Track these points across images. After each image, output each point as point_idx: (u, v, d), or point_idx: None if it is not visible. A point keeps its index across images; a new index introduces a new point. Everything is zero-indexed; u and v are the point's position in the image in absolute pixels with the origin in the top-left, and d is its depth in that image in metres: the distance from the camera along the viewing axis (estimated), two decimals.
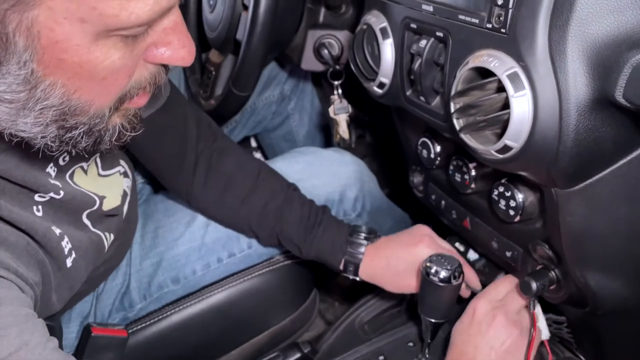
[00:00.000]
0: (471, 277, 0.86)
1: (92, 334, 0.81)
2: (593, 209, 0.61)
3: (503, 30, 0.56)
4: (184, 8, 1.24)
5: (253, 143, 1.54)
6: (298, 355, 0.93)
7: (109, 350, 0.83)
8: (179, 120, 0.89)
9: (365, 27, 0.76)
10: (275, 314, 1.00)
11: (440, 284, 0.78)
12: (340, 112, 1.07)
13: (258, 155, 1.54)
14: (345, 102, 1.07)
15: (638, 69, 0.50)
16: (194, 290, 0.95)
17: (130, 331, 0.89)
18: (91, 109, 0.50)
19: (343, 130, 1.08)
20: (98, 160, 0.75)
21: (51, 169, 0.65)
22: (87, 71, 0.46)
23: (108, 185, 0.76)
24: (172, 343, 0.92)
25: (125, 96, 0.53)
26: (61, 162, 0.66)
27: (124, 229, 0.84)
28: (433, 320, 0.83)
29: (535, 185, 0.65)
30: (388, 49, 0.73)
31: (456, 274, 0.79)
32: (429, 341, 0.85)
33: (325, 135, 1.42)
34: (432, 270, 0.79)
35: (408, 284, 0.86)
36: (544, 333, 0.77)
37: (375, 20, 0.74)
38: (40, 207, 0.63)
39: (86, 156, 0.71)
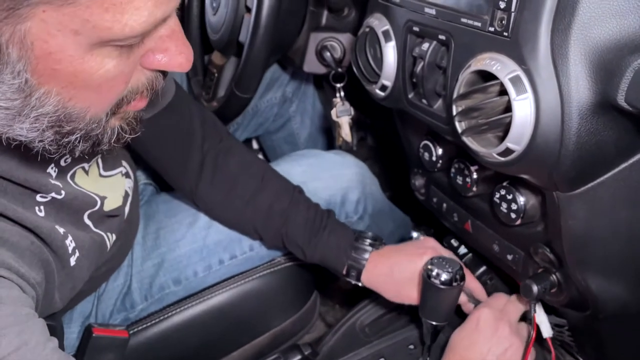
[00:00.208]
0: (476, 288, 0.87)
1: (93, 335, 0.81)
2: (594, 212, 0.61)
3: (505, 34, 0.57)
4: (186, 10, 1.25)
5: (255, 145, 1.54)
6: (299, 357, 0.93)
7: (110, 350, 0.83)
8: (184, 120, 0.89)
9: (367, 29, 0.76)
10: (276, 315, 1.00)
11: (442, 286, 0.79)
12: (343, 115, 1.07)
13: (259, 157, 1.54)
14: (347, 104, 1.07)
15: None
16: (195, 291, 0.95)
17: (131, 332, 0.89)
18: (87, 115, 0.50)
19: (345, 132, 1.08)
20: (100, 161, 0.75)
21: (52, 170, 0.65)
22: (81, 80, 0.46)
23: (109, 186, 0.76)
24: (173, 344, 0.92)
25: (122, 101, 0.52)
26: (62, 163, 0.67)
27: (125, 230, 0.84)
28: (434, 323, 0.83)
29: (536, 189, 0.65)
30: (390, 52, 0.73)
31: (457, 276, 0.79)
32: (429, 344, 0.85)
33: (327, 138, 1.42)
34: (434, 273, 0.79)
35: (408, 295, 0.86)
36: (547, 331, 0.77)
37: (378, 23, 0.74)
38: (42, 207, 0.63)
39: (86, 158, 0.71)
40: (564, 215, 0.62)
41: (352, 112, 1.08)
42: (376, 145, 1.47)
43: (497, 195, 0.69)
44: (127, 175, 0.83)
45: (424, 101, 0.71)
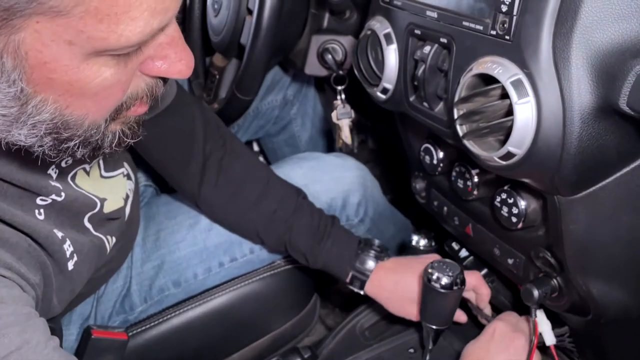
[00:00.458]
0: (484, 292, 0.87)
1: (92, 336, 0.81)
2: (596, 216, 0.61)
3: (507, 37, 0.56)
4: (188, 12, 1.25)
5: (255, 147, 1.54)
6: None
7: (109, 352, 0.82)
8: (186, 121, 0.89)
9: (369, 32, 0.76)
10: (276, 318, 1.00)
11: (442, 290, 0.78)
12: (343, 117, 1.07)
13: (260, 159, 1.54)
14: (348, 107, 1.07)
15: None
16: (194, 293, 0.94)
17: (130, 334, 0.88)
18: (85, 122, 0.49)
19: (346, 135, 1.08)
20: (101, 162, 0.75)
21: (52, 171, 0.65)
22: (77, 89, 0.46)
23: (110, 187, 0.76)
24: (172, 346, 0.92)
25: (122, 107, 0.52)
26: (63, 165, 0.66)
27: (125, 232, 0.84)
28: (434, 327, 0.83)
29: (538, 193, 0.65)
30: (392, 55, 0.73)
31: (458, 280, 0.79)
32: (430, 348, 0.85)
33: (328, 140, 1.42)
34: (434, 277, 0.79)
35: (410, 311, 0.87)
36: (549, 339, 0.76)
37: (380, 26, 0.74)
38: (42, 210, 0.63)
39: (88, 160, 0.71)
40: (565, 220, 0.61)
41: (353, 115, 1.08)
42: (377, 148, 1.47)
43: (498, 199, 0.69)
44: (128, 176, 0.83)
45: (425, 104, 0.71)
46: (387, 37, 0.73)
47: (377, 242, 0.90)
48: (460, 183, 0.76)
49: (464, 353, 0.78)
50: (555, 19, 0.53)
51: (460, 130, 0.62)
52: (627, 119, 0.53)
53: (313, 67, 1.11)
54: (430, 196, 0.89)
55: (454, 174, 0.77)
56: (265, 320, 0.99)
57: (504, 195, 0.68)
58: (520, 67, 0.55)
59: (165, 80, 0.54)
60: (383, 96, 0.77)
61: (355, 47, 0.79)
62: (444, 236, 0.96)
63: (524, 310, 0.86)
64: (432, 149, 0.80)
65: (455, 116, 0.62)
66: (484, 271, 0.91)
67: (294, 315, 1.01)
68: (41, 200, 0.63)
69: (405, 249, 1.07)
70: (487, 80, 0.58)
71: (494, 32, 0.58)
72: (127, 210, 0.81)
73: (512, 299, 0.91)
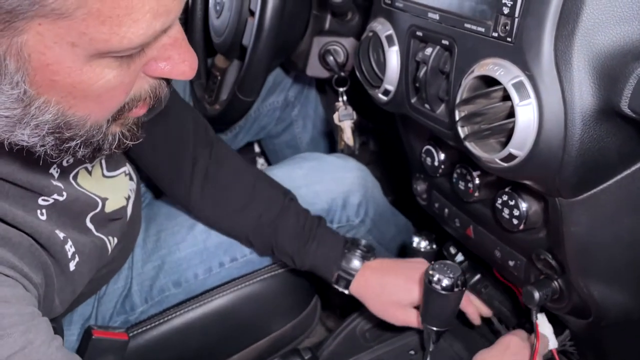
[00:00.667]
0: (469, 311, 0.87)
1: (93, 337, 0.81)
2: (597, 219, 0.61)
3: (509, 39, 0.57)
4: (190, 13, 1.25)
5: (256, 149, 1.54)
6: None
7: (109, 353, 0.82)
8: (178, 126, 0.89)
9: (371, 34, 0.76)
10: (276, 319, 1.00)
11: (443, 292, 0.78)
12: (345, 119, 1.07)
13: (261, 161, 1.54)
14: (350, 108, 1.07)
15: None
16: (195, 294, 0.94)
17: (131, 334, 0.88)
18: (87, 123, 0.50)
19: (347, 137, 1.08)
20: (103, 161, 0.75)
21: (54, 170, 0.65)
22: (80, 91, 0.46)
23: (111, 187, 0.76)
24: (172, 347, 0.92)
25: (124, 108, 0.52)
26: (64, 164, 0.67)
27: (127, 232, 0.84)
28: (435, 329, 0.83)
29: (539, 195, 0.65)
30: (393, 57, 0.73)
31: (458, 282, 0.79)
32: (430, 349, 0.85)
33: (329, 142, 1.42)
34: (435, 279, 0.79)
35: (394, 315, 0.87)
36: (552, 342, 0.76)
37: (381, 27, 0.74)
38: (44, 210, 0.63)
39: (86, 162, 0.71)
40: (566, 222, 0.61)
41: (355, 117, 1.08)
42: (378, 149, 1.47)
43: (500, 201, 0.69)
44: (130, 176, 0.83)
45: (427, 106, 0.71)
46: (389, 38, 0.73)
47: (363, 241, 0.90)
48: (461, 185, 0.76)
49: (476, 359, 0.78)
50: (557, 21, 0.53)
51: (462, 132, 0.62)
52: (629, 122, 0.53)
53: (315, 68, 1.11)
54: (431, 198, 0.89)
55: (455, 175, 0.77)
56: (265, 322, 0.99)
57: (505, 197, 0.68)
58: (522, 69, 0.55)
59: (168, 81, 0.54)
60: (385, 98, 0.77)
61: (357, 49, 0.79)
62: (445, 238, 0.95)
63: (519, 315, 0.86)
64: (433, 150, 0.80)
65: (457, 118, 0.62)
66: (478, 276, 0.91)
67: (295, 316, 1.01)
68: (43, 200, 0.63)
69: (406, 251, 1.07)
70: (489, 82, 0.58)
71: (495, 34, 0.58)
72: (129, 210, 0.81)
73: (506, 304, 0.90)
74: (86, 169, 0.71)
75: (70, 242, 0.66)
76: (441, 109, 0.70)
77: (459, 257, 0.94)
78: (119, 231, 0.79)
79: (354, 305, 1.01)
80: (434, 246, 1.01)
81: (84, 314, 0.91)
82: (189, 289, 0.94)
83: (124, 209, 0.79)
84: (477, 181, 0.74)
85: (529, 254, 0.71)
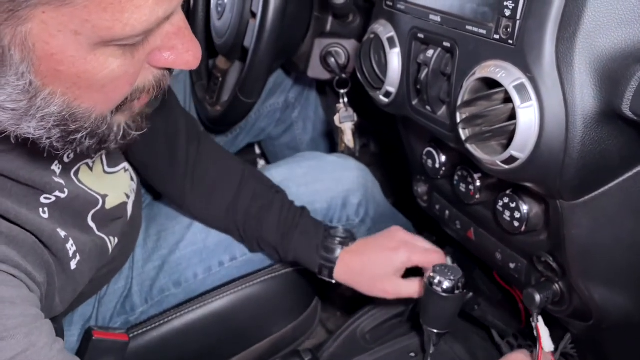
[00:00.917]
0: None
1: (93, 338, 0.80)
2: (598, 221, 0.61)
3: (510, 42, 0.57)
4: (191, 14, 1.25)
5: (257, 150, 1.54)
6: None
7: (109, 354, 0.82)
8: (172, 123, 0.89)
9: (372, 36, 0.76)
10: (277, 321, 1.00)
11: (444, 294, 0.78)
12: (346, 121, 1.07)
13: (262, 162, 1.54)
14: (350, 110, 1.07)
15: None
16: (195, 294, 0.94)
17: (131, 335, 0.88)
18: (93, 114, 0.50)
19: (348, 139, 1.08)
20: (104, 157, 0.75)
21: (56, 167, 0.65)
22: (85, 81, 0.46)
23: (112, 183, 0.76)
24: (172, 348, 0.92)
25: (127, 99, 0.52)
26: (66, 160, 0.67)
27: (127, 232, 0.84)
28: (435, 331, 0.82)
29: (540, 197, 0.65)
30: (395, 59, 0.73)
31: (459, 284, 0.79)
32: (430, 352, 0.84)
33: (329, 144, 1.42)
34: (436, 281, 0.79)
35: (382, 288, 0.86)
36: (548, 345, 0.76)
37: (383, 29, 0.75)
38: (46, 209, 0.63)
39: (92, 156, 0.71)
40: (568, 224, 0.61)
41: (356, 118, 1.08)
42: (379, 151, 1.47)
43: (501, 203, 0.69)
44: (130, 176, 0.83)
45: (428, 108, 0.71)
46: (391, 40, 0.74)
47: (341, 228, 0.90)
48: (462, 187, 0.76)
49: None
50: (558, 24, 0.53)
51: (463, 134, 0.62)
52: (630, 124, 0.53)
53: (316, 70, 1.11)
54: (432, 200, 0.89)
55: (456, 177, 0.77)
56: (266, 323, 0.99)
57: (506, 200, 0.68)
58: (524, 71, 0.55)
59: (171, 71, 0.54)
60: (386, 100, 0.77)
61: (358, 51, 0.79)
62: (446, 240, 0.95)
63: (514, 328, 0.86)
64: (434, 152, 0.80)
65: (458, 120, 0.62)
66: (470, 295, 0.90)
67: (295, 318, 1.01)
68: (45, 198, 0.63)
69: None
70: (490, 84, 0.59)
71: (497, 37, 0.58)
72: (129, 208, 0.81)
73: (500, 318, 0.90)
74: (87, 164, 0.71)
75: (71, 241, 0.66)
76: (442, 111, 0.70)
77: (448, 261, 0.93)
78: (119, 231, 0.79)
79: (355, 307, 1.01)
80: None
81: (84, 314, 0.91)
82: (188, 289, 0.94)
83: (124, 206, 0.79)
84: (478, 183, 0.74)
85: (530, 257, 0.71)
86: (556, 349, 0.78)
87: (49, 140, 0.50)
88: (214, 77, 1.20)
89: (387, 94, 0.76)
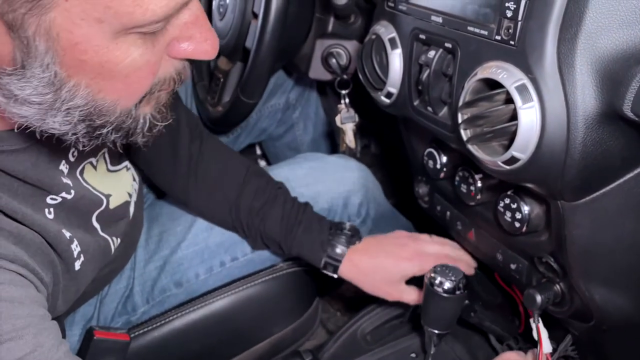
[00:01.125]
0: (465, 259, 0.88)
1: (95, 337, 0.80)
2: (599, 222, 0.61)
3: (512, 43, 0.57)
4: None
5: (258, 151, 1.54)
6: None
7: (111, 354, 0.82)
8: (174, 121, 0.89)
9: (374, 37, 0.76)
10: (277, 322, 1.00)
11: (445, 295, 0.78)
12: (347, 122, 1.07)
13: (263, 163, 1.54)
14: (352, 111, 1.08)
15: None
16: (196, 294, 0.95)
17: (132, 335, 0.88)
18: (117, 108, 0.50)
19: (349, 139, 1.08)
20: (106, 155, 0.75)
21: (64, 166, 0.65)
22: (108, 71, 0.47)
23: (115, 182, 0.77)
24: (173, 348, 0.92)
25: (150, 92, 0.53)
26: (71, 158, 0.67)
27: (129, 232, 0.84)
28: (436, 332, 0.82)
29: (541, 198, 0.65)
30: (396, 59, 0.74)
31: (460, 285, 0.79)
32: (431, 352, 0.84)
33: (330, 144, 1.42)
34: (437, 281, 0.79)
35: (387, 291, 0.88)
36: (546, 347, 0.76)
37: (384, 30, 0.75)
38: (51, 209, 0.63)
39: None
40: (569, 225, 0.61)
41: (357, 119, 1.08)
42: (380, 152, 1.47)
43: (502, 204, 0.69)
44: (132, 176, 0.83)
45: (429, 109, 0.71)
46: (392, 41, 0.74)
47: (348, 225, 0.90)
48: (463, 188, 0.76)
49: None
50: (560, 25, 0.53)
51: (464, 134, 0.62)
52: (631, 125, 0.54)
53: (317, 71, 1.11)
54: (433, 201, 0.90)
55: (457, 178, 0.77)
56: (266, 324, 0.99)
57: (507, 200, 0.68)
58: (525, 72, 0.55)
59: (191, 62, 0.54)
60: (387, 100, 0.77)
61: (359, 52, 0.79)
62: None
63: (512, 333, 0.86)
64: (435, 153, 0.80)
65: (460, 120, 0.63)
66: (466, 302, 0.90)
67: (296, 319, 1.01)
68: (51, 199, 0.64)
69: None
70: (492, 85, 0.59)
71: (498, 37, 0.58)
72: (132, 208, 0.82)
73: (497, 324, 0.90)
74: (91, 163, 0.71)
75: (76, 242, 0.66)
76: (444, 111, 0.70)
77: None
78: (122, 231, 0.79)
79: (355, 308, 1.01)
80: None
81: (86, 314, 0.91)
82: (190, 289, 0.94)
83: (127, 205, 0.79)
84: (479, 184, 0.74)
85: (531, 257, 0.71)
86: (555, 349, 0.78)
87: (74, 136, 0.50)
88: (216, 77, 1.20)
89: (389, 95, 0.76)
